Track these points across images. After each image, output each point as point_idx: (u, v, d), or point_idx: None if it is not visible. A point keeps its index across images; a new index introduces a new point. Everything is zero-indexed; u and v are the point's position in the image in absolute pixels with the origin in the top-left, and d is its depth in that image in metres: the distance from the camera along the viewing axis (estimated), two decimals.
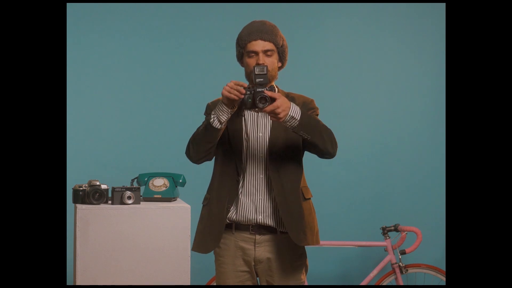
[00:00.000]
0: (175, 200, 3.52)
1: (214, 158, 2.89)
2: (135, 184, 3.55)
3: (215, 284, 3.11)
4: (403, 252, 4.32)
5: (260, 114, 2.86)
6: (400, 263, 4.34)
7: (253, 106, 2.67)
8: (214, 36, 4.59)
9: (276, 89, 2.81)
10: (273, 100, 2.63)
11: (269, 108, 2.63)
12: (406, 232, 4.36)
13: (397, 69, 4.83)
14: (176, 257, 3.29)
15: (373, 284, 4.46)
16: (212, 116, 2.71)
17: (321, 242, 3.95)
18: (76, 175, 4.06)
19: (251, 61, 2.79)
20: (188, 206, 3.33)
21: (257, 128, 2.86)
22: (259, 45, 2.79)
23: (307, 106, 2.86)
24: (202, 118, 2.89)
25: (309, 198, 2.90)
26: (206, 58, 4.59)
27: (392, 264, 4.36)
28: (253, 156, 2.84)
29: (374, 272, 4.35)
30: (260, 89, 2.65)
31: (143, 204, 3.35)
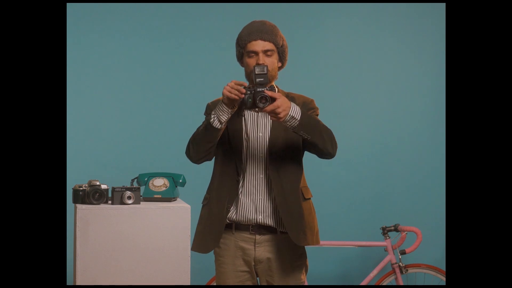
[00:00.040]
0: (175, 200, 3.52)
1: (214, 158, 2.89)
2: (135, 184, 3.55)
3: (215, 284, 3.11)
4: (403, 252, 4.32)
5: (260, 114, 2.86)
6: (400, 263, 4.34)
7: (253, 106, 2.67)
8: (214, 36, 4.59)
9: (276, 89, 2.81)
10: (273, 100, 2.63)
11: (270, 107, 2.63)
12: (406, 232, 4.36)
13: (397, 69, 4.83)
14: (176, 257, 3.29)
15: (373, 284, 4.46)
16: (212, 116, 2.71)
17: (321, 242, 3.95)
18: (76, 175, 4.06)
19: (251, 61, 2.79)
20: (188, 206, 3.33)
21: (257, 128, 2.86)
22: (259, 45, 2.79)
23: (307, 106, 2.87)
24: (202, 118, 2.89)
25: (309, 198, 2.90)
26: (206, 58, 4.59)
27: (392, 264, 4.36)
28: (253, 156, 2.84)
29: (374, 272, 4.35)
30: (260, 89, 2.65)
31: (143, 204, 3.35)
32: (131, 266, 3.25)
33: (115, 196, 3.31)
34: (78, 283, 3.21)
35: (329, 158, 2.83)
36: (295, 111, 2.66)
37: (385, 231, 4.37)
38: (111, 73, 4.51)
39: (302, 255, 2.90)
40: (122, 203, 3.31)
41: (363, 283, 4.35)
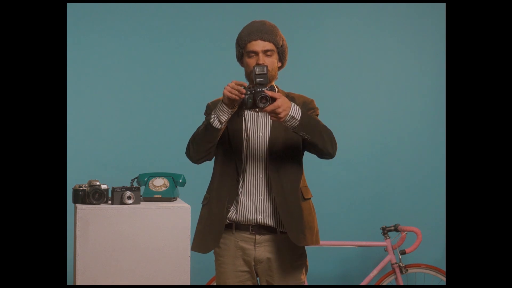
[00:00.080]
0: (175, 200, 3.52)
1: (214, 158, 2.89)
2: (135, 184, 3.55)
3: (215, 284, 3.11)
4: (403, 252, 4.32)
5: (260, 114, 2.86)
6: (400, 263, 4.34)
7: (253, 106, 2.67)
8: (214, 36, 4.59)
9: (276, 89, 2.81)
10: (273, 100, 2.63)
11: (270, 107, 2.63)
12: (406, 232, 4.36)
13: (397, 69, 4.83)
14: (176, 257, 3.29)
15: (373, 284, 4.46)
16: (213, 116, 2.71)
17: (321, 242, 3.95)
18: (76, 175, 4.06)
19: (251, 61, 2.79)
20: (188, 206, 3.33)
21: (257, 128, 2.86)
22: (259, 45, 2.79)
23: (307, 106, 2.87)
24: (202, 118, 2.89)
25: (309, 198, 2.90)
26: (206, 58, 4.59)
27: (392, 264, 4.36)
28: (253, 156, 2.84)
29: (374, 272, 4.35)
30: (260, 89, 2.65)
31: (143, 204, 3.35)
32: (131, 266, 3.25)
33: (115, 196, 3.31)
34: (78, 283, 3.21)
35: (329, 158, 2.83)
36: (295, 111, 2.66)
37: (385, 231, 4.37)
38: (111, 73, 4.51)
39: (302, 255, 2.90)
40: (122, 203, 3.31)
41: (363, 283, 4.35)
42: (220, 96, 2.74)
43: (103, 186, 3.33)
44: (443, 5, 4.63)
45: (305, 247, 2.90)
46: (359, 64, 4.79)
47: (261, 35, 2.79)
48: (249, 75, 2.81)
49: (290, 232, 2.79)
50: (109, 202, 3.33)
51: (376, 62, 4.80)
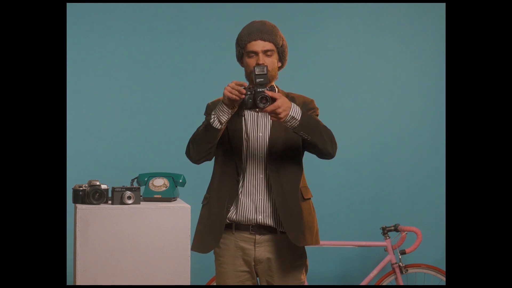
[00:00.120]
0: (175, 200, 3.52)
1: (214, 158, 2.89)
2: (135, 184, 3.55)
3: (215, 284, 3.11)
4: (403, 252, 4.32)
5: (260, 114, 2.86)
6: (400, 263, 4.34)
7: (254, 106, 2.67)
8: (214, 36, 4.59)
9: (276, 89, 2.81)
10: (273, 100, 2.63)
11: (270, 108, 2.63)
12: (406, 232, 4.36)
13: (397, 69, 4.83)
14: (176, 257, 3.29)
15: (373, 284, 4.46)
16: (212, 116, 2.71)
17: (321, 242, 3.95)
18: (76, 175, 4.06)
19: (251, 61, 2.79)
20: (188, 206, 3.33)
21: (257, 128, 2.86)
22: (259, 45, 2.79)
23: (307, 106, 2.86)
24: (202, 118, 2.89)
25: (309, 198, 2.90)
26: (206, 58, 4.59)
27: (392, 264, 4.36)
28: (253, 156, 2.84)
29: (374, 272, 4.35)
30: (260, 89, 2.65)
31: (143, 204, 3.35)
32: (131, 266, 3.25)
33: (115, 196, 3.31)
34: (78, 283, 3.21)
35: (329, 159, 2.83)
36: (296, 111, 2.66)
37: (385, 231, 4.37)
38: (111, 73, 4.51)
39: (302, 255, 2.90)
40: (122, 203, 3.31)
41: (363, 283, 4.35)
42: (220, 96, 2.74)
43: (103, 186, 3.33)
44: (443, 5, 4.63)
45: (305, 247, 2.90)
46: (359, 64, 4.79)
47: (261, 35, 2.79)
48: (249, 75, 2.81)
49: (289, 232, 2.79)
50: (109, 202, 3.33)
51: (376, 62, 4.80)
